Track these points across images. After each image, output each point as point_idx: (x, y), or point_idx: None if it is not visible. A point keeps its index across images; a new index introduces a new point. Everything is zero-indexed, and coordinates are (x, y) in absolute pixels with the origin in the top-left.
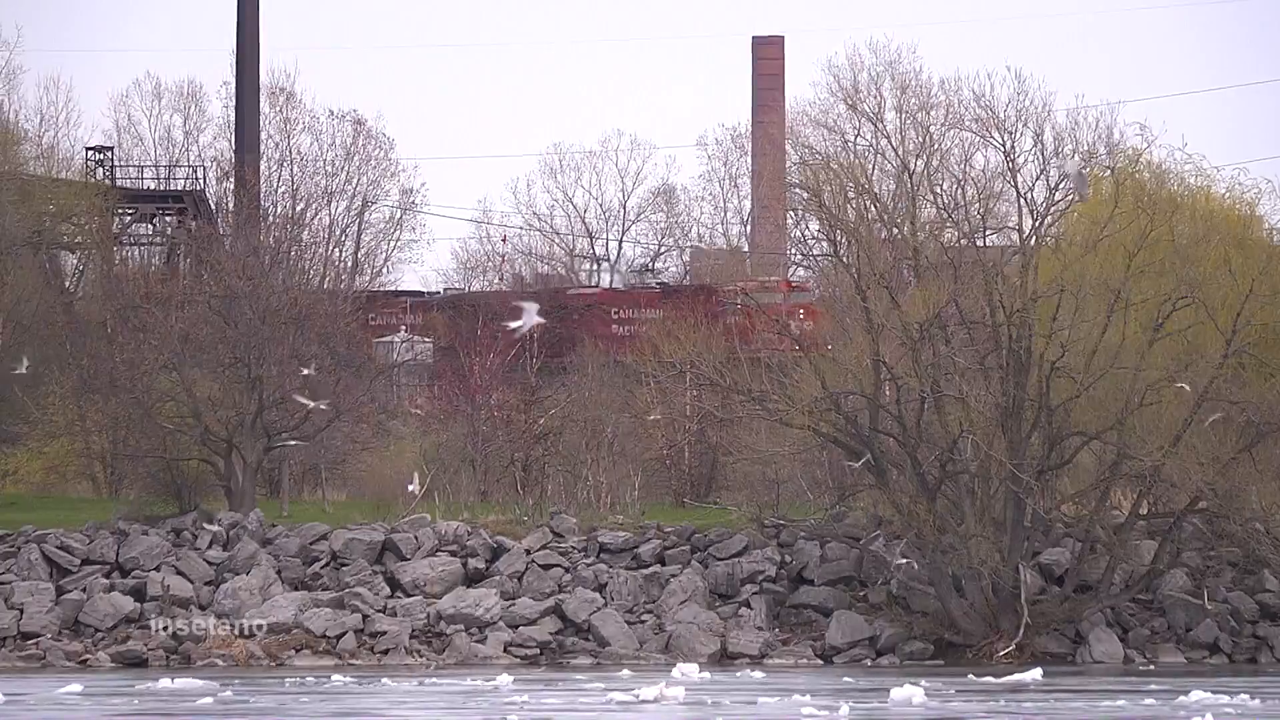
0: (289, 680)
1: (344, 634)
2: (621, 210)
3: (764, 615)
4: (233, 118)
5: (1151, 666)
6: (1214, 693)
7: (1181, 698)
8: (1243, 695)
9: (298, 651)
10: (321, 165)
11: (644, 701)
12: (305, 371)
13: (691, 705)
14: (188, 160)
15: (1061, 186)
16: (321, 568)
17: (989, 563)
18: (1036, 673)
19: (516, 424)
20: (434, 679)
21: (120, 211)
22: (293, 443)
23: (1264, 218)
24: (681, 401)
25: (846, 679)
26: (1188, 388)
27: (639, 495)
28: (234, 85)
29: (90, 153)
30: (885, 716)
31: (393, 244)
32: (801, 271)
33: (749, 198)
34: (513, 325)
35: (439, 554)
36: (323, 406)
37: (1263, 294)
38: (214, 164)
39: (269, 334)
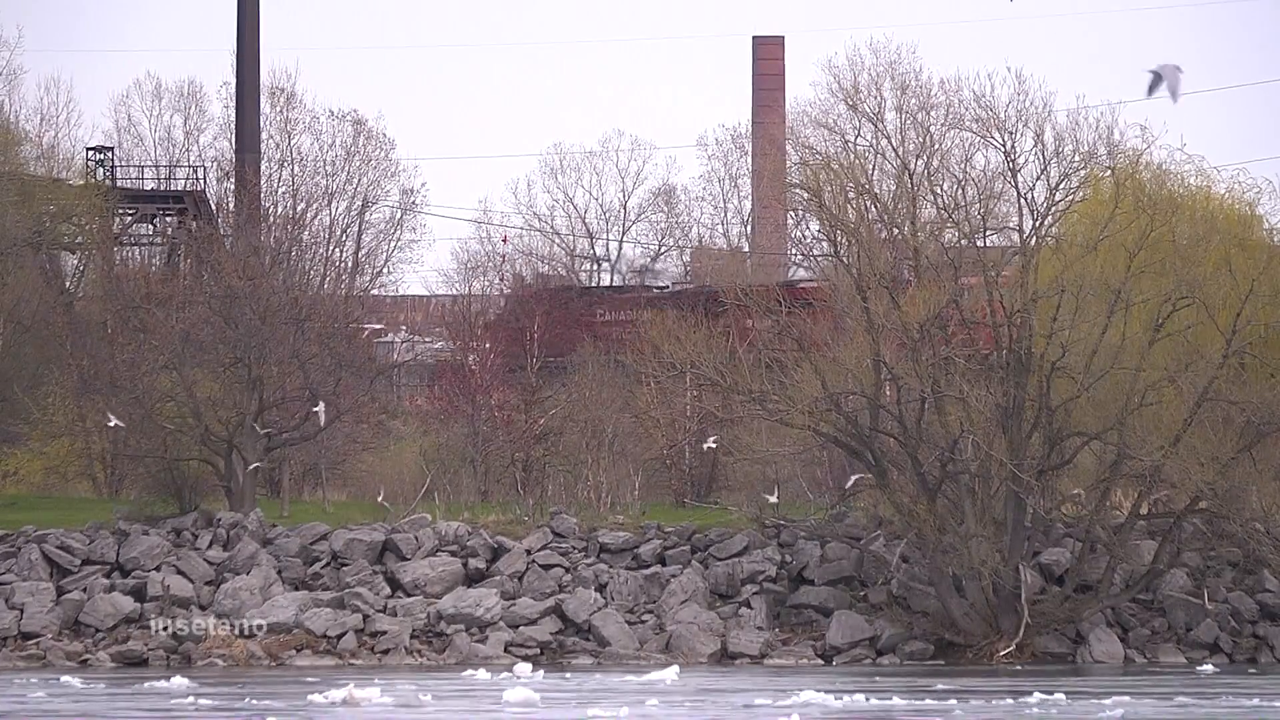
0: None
1: (344, 634)
2: (622, 210)
3: (764, 615)
4: (233, 118)
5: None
6: (819, 690)
7: (795, 696)
8: (858, 695)
9: (298, 651)
10: (322, 165)
11: (332, 705)
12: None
13: (381, 708)
14: (188, 160)
15: (1067, 178)
16: (322, 568)
17: (989, 563)
18: (672, 671)
19: (517, 424)
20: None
21: (121, 212)
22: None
23: (1264, 218)
24: (681, 402)
25: (569, 675)
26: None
27: (639, 495)
28: (234, 85)
29: (91, 153)
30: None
31: (393, 244)
32: (802, 271)
33: (749, 198)
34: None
35: (439, 554)
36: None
37: (1263, 294)
38: (214, 164)
39: (269, 334)
